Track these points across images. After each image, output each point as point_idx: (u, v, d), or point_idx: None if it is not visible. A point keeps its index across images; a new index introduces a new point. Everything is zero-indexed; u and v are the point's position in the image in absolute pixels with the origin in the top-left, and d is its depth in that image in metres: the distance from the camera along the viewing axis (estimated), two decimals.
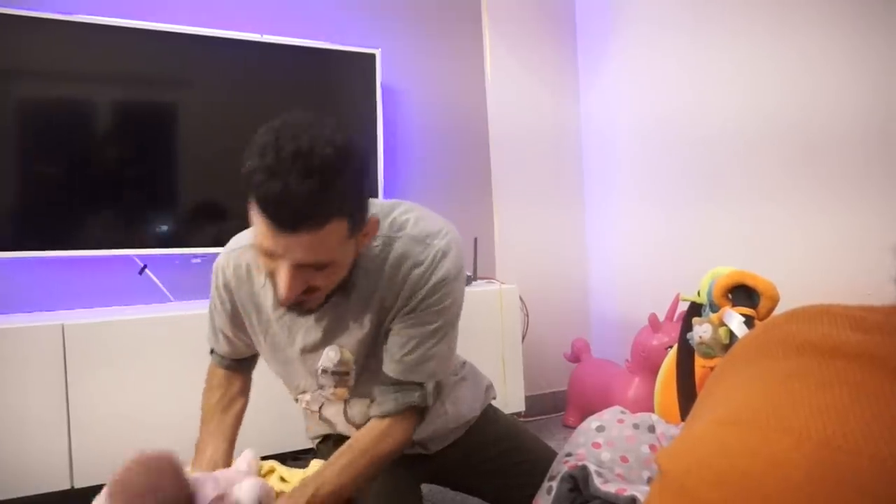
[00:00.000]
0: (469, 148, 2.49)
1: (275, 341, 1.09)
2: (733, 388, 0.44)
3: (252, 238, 0.93)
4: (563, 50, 2.62)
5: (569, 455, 1.15)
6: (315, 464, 1.16)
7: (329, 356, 1.04)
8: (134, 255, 1.87)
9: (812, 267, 1.61)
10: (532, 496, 1.15)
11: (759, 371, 0.43)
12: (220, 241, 1.91)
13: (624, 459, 1.16)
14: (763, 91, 1.74)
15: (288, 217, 0.82)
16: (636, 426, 1.26)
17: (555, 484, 1.06)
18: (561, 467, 1.10)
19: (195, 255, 1.95)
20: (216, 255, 1.92)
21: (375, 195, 2.13)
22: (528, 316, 2.37)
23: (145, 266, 1.91)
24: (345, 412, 1.13)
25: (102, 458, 1.58)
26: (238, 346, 1.17)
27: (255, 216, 0.86)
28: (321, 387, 1.08)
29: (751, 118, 1.79)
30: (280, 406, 1.76)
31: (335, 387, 1.07)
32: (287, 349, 1.08)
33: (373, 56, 2.12)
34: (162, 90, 1.93)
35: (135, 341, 1.63)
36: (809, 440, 0.34)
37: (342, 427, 1.16)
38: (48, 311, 1.79)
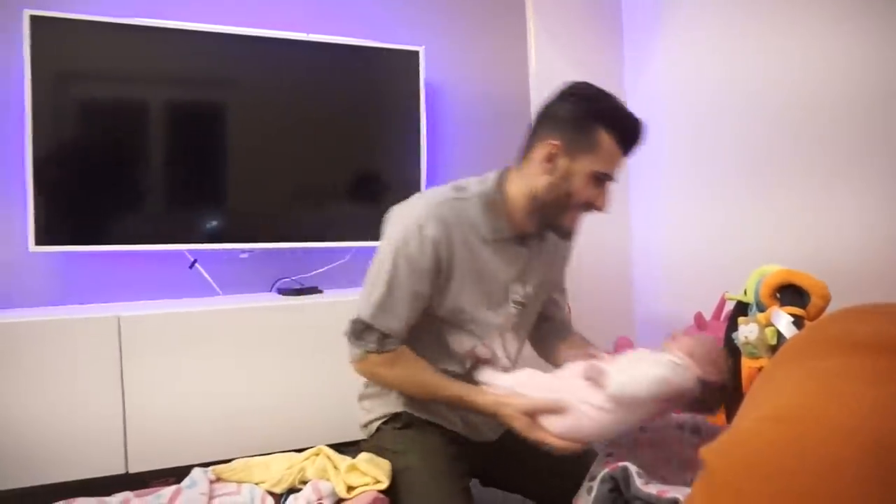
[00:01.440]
0: (512, 144, 2.45)
1: (482, 274, 1.21)
2: (782, 387, 0.44)
3: (586, 168, 1.15)
4: (608, 45, 2.57)
5: (609, 455, 1.13)
6: (364, 455, 1.19)
7: (516, 289, 1.25)
8: (185, 250, 1.94)
9: (874, 264, 1.54)
10: (572, 494, 1.14)
11: (809, 370, 0.42)
12: (267, 237, 1.97)
13: (667, 461, 1.14)
14: (816, 78, 1.67)
15: (637, 142, 1.16)
16: (680, 427, 1.23)
17: (595, 484, 1.05)
18: (601, 468, 1.08)
19: (243, 251, 2.00)
20: (262, 250, 1.99)
21: (419, 189, 2.14)
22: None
23: (195, 261, 1.97)
24: (504, 346, 1.28)
25: (155, 444, 1.65)
26: (417, 314, 1.20)
27: (609, 145, 1.13)
28: (510, 313, 1.26)
29: (802, 109, 1.72)
30: (324, 400, 1.80)
31: (517, 317, 1.27)
32: (491, 281, 1.22)
33: (416, 53, 2.14)
34: (210, 89, 1.98)
35: (186, 333, 1.69)
36: (859, 439, 0.33)
37: (503, 361, 1.27)
38: (104, 303, 1.87)
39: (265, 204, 2.01)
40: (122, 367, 1.62)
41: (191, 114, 1.96)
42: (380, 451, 1.23)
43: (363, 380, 1.32)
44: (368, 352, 1.18)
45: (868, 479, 0.32)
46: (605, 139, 1.13)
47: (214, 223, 1.96)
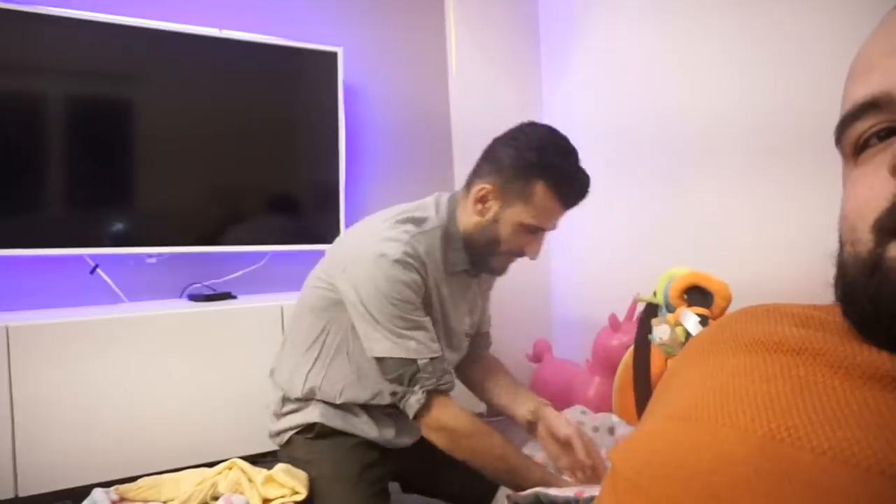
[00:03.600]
0: (432, 145, 2.48)
1: (445, 311, 1.19)
2: (684, 385, 0.45)
3: (515, 217, 1.12)
4: (526, 47, 2.63)
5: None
6: (282, 466, 1.14)
7: (465, 321, 1.25)
8: (85, 255, 1.81)
9: (770, 266, 1.64)
10: (486, 495, 1.15)
11: (709, 369, 0.44)
12: (177, 241, 1.88)
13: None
14: (725, 89, 1.75)
15: (580, 198, 1.12)
16: (596, 429, 1.27)
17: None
18: None
19: (150, 255, 1.89)
20: (172, 255, 1.90)
21: (337, 193, 2.11)
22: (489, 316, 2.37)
23: (97, 266, 1.85)
24: None
25: (50, 464, 1.53)
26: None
27: (544, 198, 1.09)
28: (463, 348, 1.27)
29: (712, 118, 1.80)
30: (238, 411, 1.73)
31: (466, 349, 1.27)
32: (452, 316, 1.21)
33: (335, 54, 2.10)
34: (117, 85, 1.87)
35: (85, 342, 1.58)
36: (755, 435, 0.34)
37: None
38: None
39: (175, 206, 1.91)
40: (10, 380, 1.50)
41: (94, 110, 1.83)
42: (292, 462, 1.20)
43: (280, 393, 1.27)
44: (429, 392, 1.07)
45: (759, 474, 0.33)
46: (540, 191, 1.09)
47: (119, 226, 1.84)
